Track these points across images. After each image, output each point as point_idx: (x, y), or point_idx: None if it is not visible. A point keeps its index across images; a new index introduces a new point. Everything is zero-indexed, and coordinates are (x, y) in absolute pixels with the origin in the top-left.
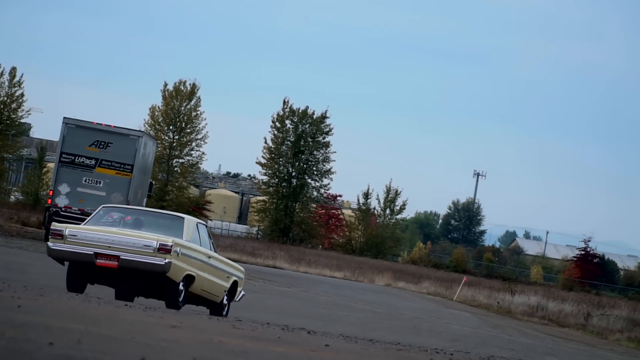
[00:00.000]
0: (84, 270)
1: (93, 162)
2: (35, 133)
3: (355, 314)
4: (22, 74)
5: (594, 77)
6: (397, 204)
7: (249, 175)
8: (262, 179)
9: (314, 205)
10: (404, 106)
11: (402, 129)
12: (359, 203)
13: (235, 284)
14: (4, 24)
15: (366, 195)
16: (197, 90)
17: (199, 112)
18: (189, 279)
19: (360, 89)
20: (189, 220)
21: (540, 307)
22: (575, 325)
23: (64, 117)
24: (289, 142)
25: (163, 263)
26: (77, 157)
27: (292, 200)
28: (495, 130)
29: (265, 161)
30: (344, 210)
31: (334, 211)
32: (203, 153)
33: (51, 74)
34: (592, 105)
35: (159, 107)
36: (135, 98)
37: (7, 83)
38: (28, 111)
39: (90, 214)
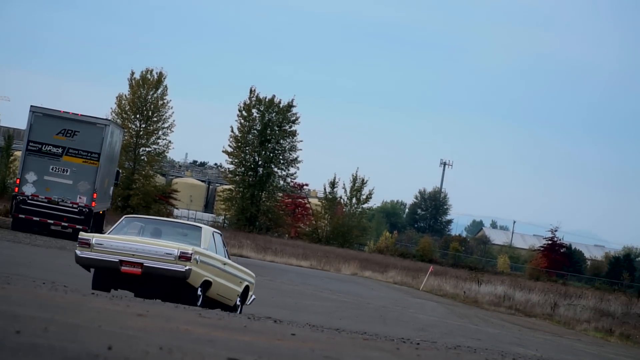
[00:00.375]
0: (109, 276)
1: (60, 150)
2: (3, 121)
3: (321, 303)
4: None
5: (552, 64)
6: (363, 193)
7: (216, 164)
8: (228, 168)
9: (281, 194)
10: (372, 96)
11: (369, 118)
12: (325, 192)
13: (247, 289)
14: None
15: (332, 185)
16: (164, 79)
17: (165, 101)
18: (207, 285)
19: (328, 79)
20: (206, 230)
21: (507, 297)
22: (542, 315)
23: (31, 106)
24: (255, 131)
25: (184, 270)
26: (44, 146)
27: (258, 189)
28: (462, 119)
29: (232, 150)
30: (310, 200)
31: (300, 200)
32: (170, 142)
33: (18, 62)
34: (555, 93)
35: (125, 95)
36: (103, 87)
37: None
38: None
39: (57, 202)
